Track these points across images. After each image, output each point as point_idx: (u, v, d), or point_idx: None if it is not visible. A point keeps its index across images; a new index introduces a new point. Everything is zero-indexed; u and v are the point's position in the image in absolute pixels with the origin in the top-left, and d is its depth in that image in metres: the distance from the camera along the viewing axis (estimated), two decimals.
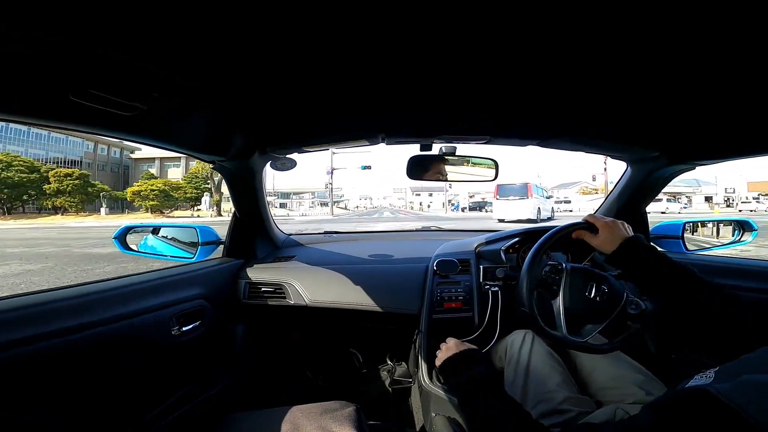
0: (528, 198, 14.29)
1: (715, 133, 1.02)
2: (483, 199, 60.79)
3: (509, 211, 13.92)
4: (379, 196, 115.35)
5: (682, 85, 0.75)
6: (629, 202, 1.45)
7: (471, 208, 47.94)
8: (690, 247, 1.44)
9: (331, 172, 35.61)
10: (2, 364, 0.70)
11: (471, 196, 66.76)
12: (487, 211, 39.68)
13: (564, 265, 0.98)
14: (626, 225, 0.91)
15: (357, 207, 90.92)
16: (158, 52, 0.60)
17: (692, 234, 1.57)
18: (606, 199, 1.56)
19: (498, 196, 14.91)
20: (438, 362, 0.92)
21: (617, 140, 1.17)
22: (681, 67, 0.66)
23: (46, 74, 0.61)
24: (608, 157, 1.34)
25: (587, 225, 0.95)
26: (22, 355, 0.73)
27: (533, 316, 0.91)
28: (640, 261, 0.85)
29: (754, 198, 36.60)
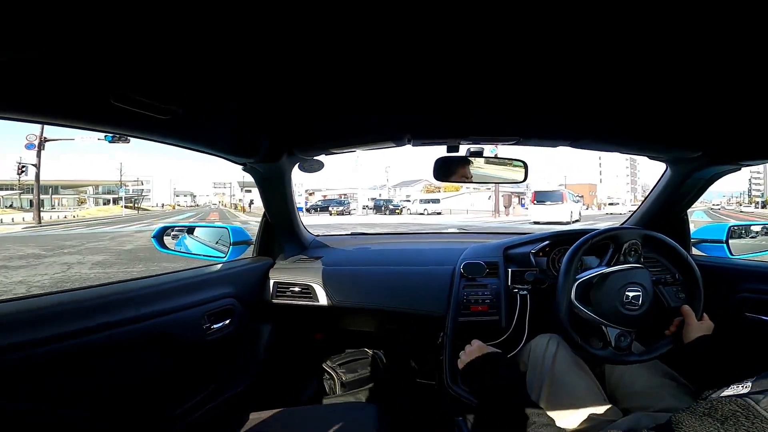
0: (564, 203, 16.33)
1: (764, 129, 0.95)
2: (325, 196, 47.30)
3: (546, 214, 15.70)
4: (209, 193, 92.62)
5: (726, 78, 0.71)
6: (669, 204, 1.38)
7: (322, 208, 34.89)
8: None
9: (38, 144, 18.32)
10: (36, 360, 0.73)
11: (311, 193, 52.49)
12: (332, 213, 30.18)
13: (596, 271, 0.96)
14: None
15: (177, 206, 70.99)
16: (190, 56, 0.62)
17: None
18: (643, 202, 1.50)
19: (535, 201, 16.89)
20: (461, 365, 0.91)
21: (655, 139, 1.12)
22: (724, 59, 0.62)
23: (88, 80, 0.64)
24: (647, 158, 1.28)
25: (698, 308, 0.96)
26: (56, 352, 0.76)
27: (575, 340, 0.91)
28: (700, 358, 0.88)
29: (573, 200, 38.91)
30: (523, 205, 31.86)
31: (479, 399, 0.78)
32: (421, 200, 35.15)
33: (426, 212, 30.53)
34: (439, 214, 29.97)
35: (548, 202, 16.45)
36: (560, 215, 15.62)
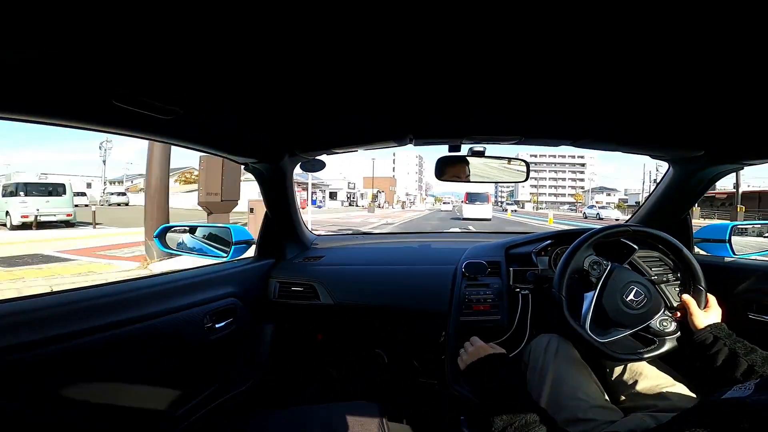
0: (488, 203, 21.13)
1: (766, 129, 0.95)
2: None
3: (476, 211, 19.90)
4: None
5: (728, 78, 0.70)
6: (671, 204, 1.37)
7: None
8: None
9: None
10: (37, 360, 0.73)
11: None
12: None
13: (608, 262, 0.98)
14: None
15: None
16: (191, 57, 0.62)
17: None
18: (646, 201, 1.49)
19: (467, 201, 21.12)
20: (462, 365, 0.91)
21: (657, 139, 1.12)
22: (726, 58, 0.62)
23: (90, 81, 0.64)
24: (649, 157, 1.28)
25: (700, 296, 0.94)
26: (57, 353, 0.76)
27: (560, 300, 0.93)
28: (720, 349, 0.84)
29: (373, 194, 39.87)
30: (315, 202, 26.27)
31: (479, 399, 0.79)
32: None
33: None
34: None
35: (477, 202, 20.65)
36: (485, 212, 20.03)
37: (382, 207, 41.91)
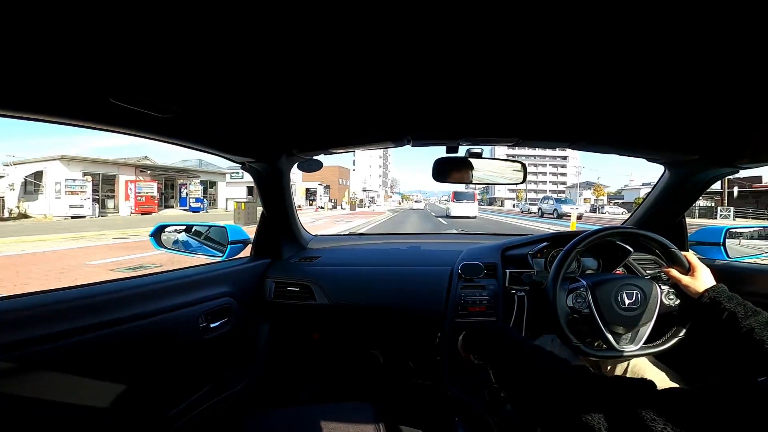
0: (474, 202, 21.83)
1: (762, 133, 0.95)
2: None
3: (462, 210, 20.86)
4: None
5: (724, 82, 0.70)
6: (667, 207, 1.38)
7: None
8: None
9: None
10: (29, 359, 0.72)
11: None
12: None
13: (583, 283, 0.98)
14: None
15: None
16: (190, 57, 0.62)
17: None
18: (641, 204, 1.50)
19: (454, 199, 21.71)
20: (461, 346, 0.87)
21: (654, 142, 1.12)
22: (723, 63, 0.62)
23: (88, 79, 0.64)
24: (645, 160, 1.29)
25: (679, 261, 0.93)
26: (49, 351, 0.75)
27: (575, 345, 0.91)
28: (719, 311, 0.82)
29: (306, 190, 36.85)
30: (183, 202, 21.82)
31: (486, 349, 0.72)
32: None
33: None
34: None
35: (464, 201, 21.43)
36: (471, 211, 20.96)
37: (324, 208, 32.08)
